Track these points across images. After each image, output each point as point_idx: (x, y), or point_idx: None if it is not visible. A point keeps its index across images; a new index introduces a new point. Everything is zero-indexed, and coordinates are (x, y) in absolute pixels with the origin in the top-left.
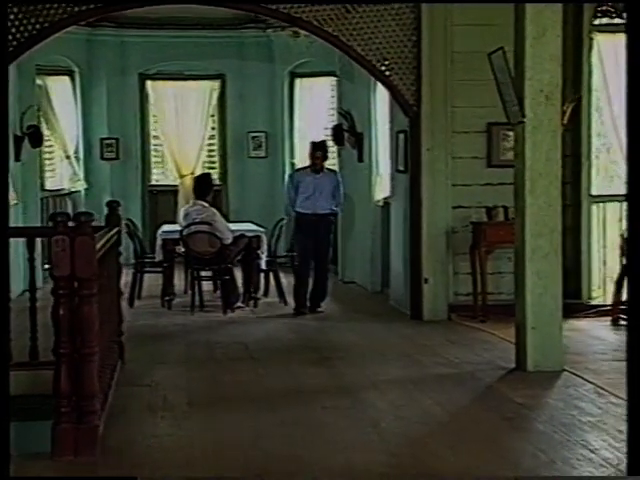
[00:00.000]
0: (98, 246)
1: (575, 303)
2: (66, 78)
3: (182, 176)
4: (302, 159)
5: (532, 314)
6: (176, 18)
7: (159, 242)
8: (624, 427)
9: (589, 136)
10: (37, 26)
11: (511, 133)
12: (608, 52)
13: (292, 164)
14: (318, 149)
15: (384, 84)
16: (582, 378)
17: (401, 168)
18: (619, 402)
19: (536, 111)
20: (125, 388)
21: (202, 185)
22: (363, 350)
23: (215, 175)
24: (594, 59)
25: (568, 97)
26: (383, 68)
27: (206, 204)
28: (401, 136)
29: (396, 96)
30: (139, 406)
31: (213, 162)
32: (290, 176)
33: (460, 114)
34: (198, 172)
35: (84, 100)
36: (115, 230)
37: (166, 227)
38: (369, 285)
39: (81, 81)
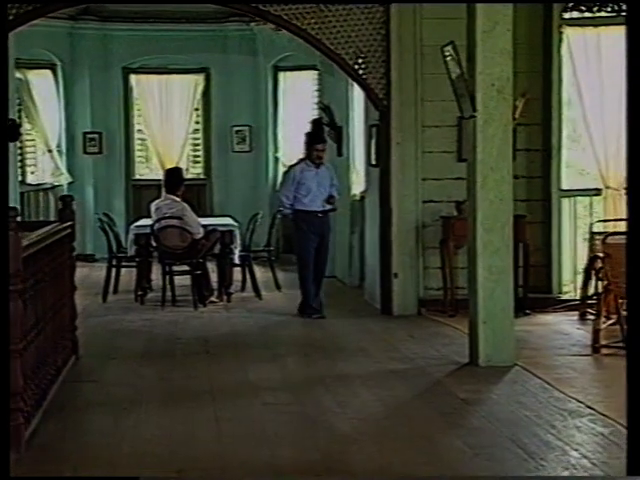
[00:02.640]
0: (31, 241)
1: (545, 297)
2: (48, 72)
3: None
4: (286, 153)
5: (484, 309)
6: (160, 12)
7: (131, 237)
8: (558, 422)
9: (559, 130)
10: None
11: None
12: (578, 45)
13: (276, 158)
14: (321, 141)
15: (353, 78)
16: (532, 373)
17: (374, 162)
18: (561, 397)
19: (487, 105)
20: (71, 384)
21: (173, 179)
22: (322, 346)
23: (199, 169)
24: (564, 52)
25: (519, 92)
26: (357, 67)
27: (177, 198)
28: (374, 130)
29: (366, 90)
30: (80, 402)
31: (197, 156)
32: (288, 172)
33: (430, 108)
34: (182, 166)
35: (67, 94)
36: (66, 224)
37: (141, 222)
38: (348, 280)
39: (63, 75)
